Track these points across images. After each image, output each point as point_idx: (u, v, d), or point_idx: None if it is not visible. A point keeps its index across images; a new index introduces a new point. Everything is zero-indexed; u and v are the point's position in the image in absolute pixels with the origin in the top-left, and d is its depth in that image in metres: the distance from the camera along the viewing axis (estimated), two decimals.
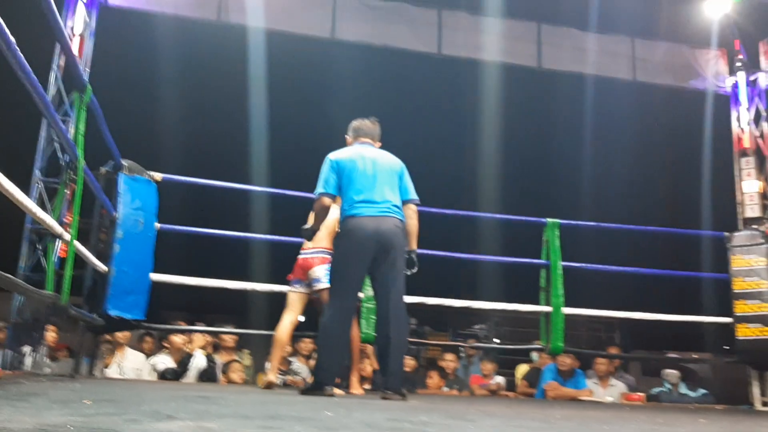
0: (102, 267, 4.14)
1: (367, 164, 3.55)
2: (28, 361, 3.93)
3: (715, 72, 6.64)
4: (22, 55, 2.15)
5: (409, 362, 5.81)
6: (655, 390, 6.01)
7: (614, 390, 5.81)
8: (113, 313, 4.17)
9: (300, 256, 4.03)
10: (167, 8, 5.64)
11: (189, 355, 5.27)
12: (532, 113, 8.06)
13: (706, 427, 2.55)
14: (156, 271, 4.47)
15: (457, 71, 6.69)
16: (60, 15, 3.04)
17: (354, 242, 3.41)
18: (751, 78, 6.49)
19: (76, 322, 4.26)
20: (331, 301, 3.45)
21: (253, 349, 6.39)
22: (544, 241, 5.34)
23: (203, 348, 5.43)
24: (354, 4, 5.97)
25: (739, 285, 5.54)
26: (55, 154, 4.28)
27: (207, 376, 5.24)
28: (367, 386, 4.61)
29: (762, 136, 6.37)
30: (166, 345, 5.49)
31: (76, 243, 3.38)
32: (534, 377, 6.03)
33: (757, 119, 6.43)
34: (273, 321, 4.12)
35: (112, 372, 5.16)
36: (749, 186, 6.27)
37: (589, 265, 5.59)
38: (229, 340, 5.68)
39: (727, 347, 6.13)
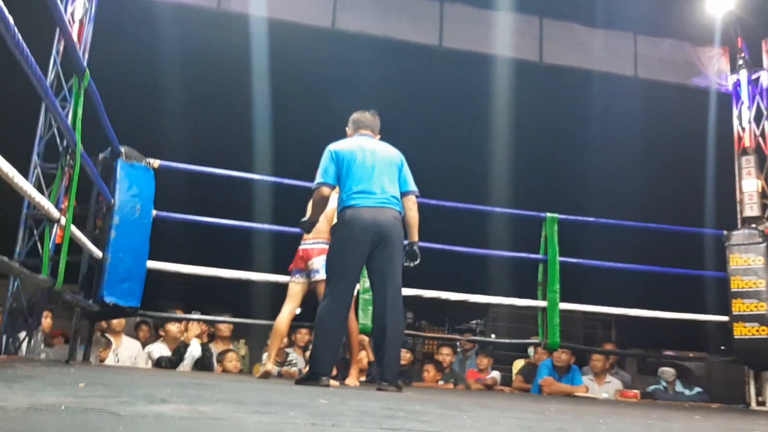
0: (98, 253, 4.13)
1: (367, 156, 3.56)
2: (23, 346, 3.92)
3: (717, 70, 6.62)
4: (20, 36, 2.13)
5: (406, 356, 5.81)
6: (651, 387, 6.02)
7: (610, 387, 5.82)
8: (109, 299, 4.16)
9: (300, 247, 4.05)
10: None
11: (185, 344, 5.27)
12: (531, 108, 8.04)
13: (701, 423, 2.55)
14: (157, 259, 4.48)
15: (458, 64, 6.66)
16: (60, 0, 3.03)
17: (351, 233, 3.41)
18: (753, 76, 6.48)
19: (71, 309, 4.25)
20: (328, 291, 3.44)
21: (249, 339, 6.39)
22: (542, 236, 5.33)
23: (198, 337, 5.43)
24: None
25: (736, 284, 5.54)
26: (53, 140, 4.26)
27: (202, 365, 5.25)
28: (362, 378, 4.61)
29: (763, 135, 6.36)
30: (162, 334, 5.50)
31: (73, 228, 3.36)
32: (530, 372, 6.04)
33: (759, 118, 6.42)
34: (272, 312, 4.12)
35: (107, 359, 5.16)
36: (749, 185, 6.26)
37: (586, 260, 5.58)
38: (225, 329, 5.69)
39: (723, 347, 6.14)
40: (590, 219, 5.66)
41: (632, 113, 7.92)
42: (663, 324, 5.78)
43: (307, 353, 5.48)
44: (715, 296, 6.05)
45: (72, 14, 4.58)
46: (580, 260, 5.51)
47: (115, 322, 5.17)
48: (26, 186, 2.56)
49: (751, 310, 5.44)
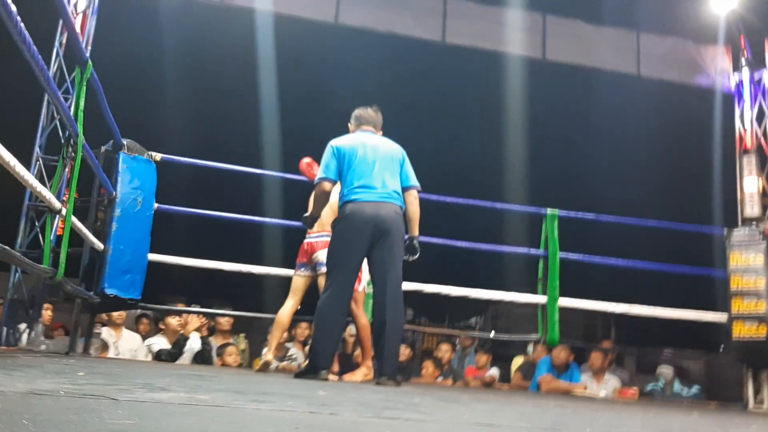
0: (99, 245, 4.14)
1: (368, 151, 3.58)
2: (23, 338, 3.93)
3: (719, 69, 6.61)
4: (23, 26, 2.13)
5: (405, 351, 5.81)
6: (649, 386, 6.02)
7: (608, 385, 5.81)
8: (110, 291, 4.17)
9: (305, 240, 4.06)
10: None
11: (184, 337, 5.28)
12: (534, 104, 8.03)
13: (699, 420, 2.56)
14: (161, 252, 4.49)
15: (460, 60, 6.66)
16: None
17: (352, 226, 3.43)
18: (756, 76, 6.46)
19: (72, 301, 4.26)
20: (328, 284, 3.45)
21: (250, 333, 6.40)
22: (543, 232, 5.34)
23: (198, 330, 5.44)
24: None
25: (736, 283, 5.53)
26: (55, 133, 4.27)
27: (202, 358, 5.26)
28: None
29: (765, 134, 6.35)
30: (162, 327, 5.51)
31: (74, 219, 3.37)
32: (528, 370, 6.04)
33: (761, 117, 6.41)
34: (273, 306, 4.14)
35: (107, 352, 5.17)
36: (750, 184, 6.25)
37: (586, 256, 5.57)
38: (225, 323, 5.69)
39: (722, 346, 6.14)
40: (590, 215, 5.65)
41: (635, 111, 7.91)
42: (662, 323, 5.78)
43: (307, 348, 5.48)
44: (716, 295, 6.04)
45: (75, 6, 4.58)
46: (580, 256, 5.50)
47: (115, 314, 5.17)
48: (28, 176, 2.57)
49: (751, 310, 5.43)
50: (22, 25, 2.08)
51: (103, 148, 4.46)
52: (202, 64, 7.69)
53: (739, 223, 6.20)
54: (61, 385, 1.42)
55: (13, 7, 1.96)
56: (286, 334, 5.36)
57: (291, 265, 4.20)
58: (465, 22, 6.09)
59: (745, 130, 6.42)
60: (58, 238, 3.62)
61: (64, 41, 4.42)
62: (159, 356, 5.18)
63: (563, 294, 5.23)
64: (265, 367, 3.89)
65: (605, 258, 5.62)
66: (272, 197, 7.19)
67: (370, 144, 3.62)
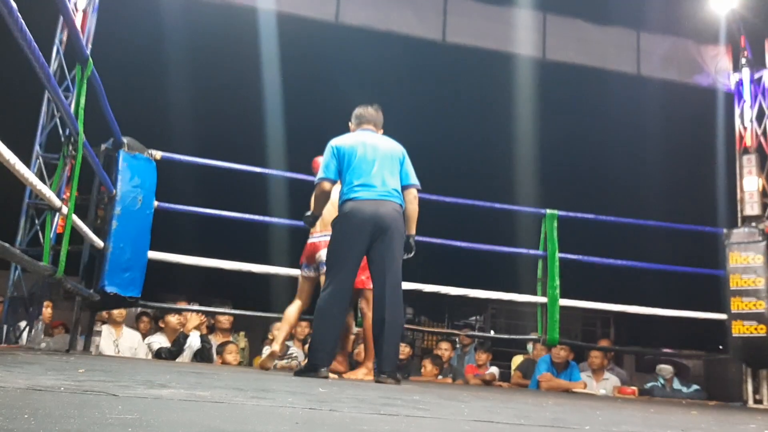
0: (99, 243, 4.14)
1: (368, 150, 3.59)
2: (24, 336, 3.94)
3: (719, 68, 6.61)
4: (23, 22, 2.14)
5: (405, 350, 5.82)
6: (649, 384, 6.02)
7: (607, 384, 5.83)
8: (110, 289, 4.17)
9: (308, 241, 4.07)
10: None
11: (184, 335, 5.29)
12: (533, 103, 8.02)
13: (698, 417, 2.56)
14: (164, 250, 4.49)
15: (461, 59, 6.66)
16: None
17: (351, 224, 3.43)
18: (756, 76, 6.47)
19: (72, 299, 4.26)
20: (327, 282, 3.45)
21: (250, 332, 6.41)
22: (542, 232, 5.34)
23: (198, 328, 5.45)
24: None
25: (735, 282, 5.55)
26: (55, 131, 4.27)
27: (201, 356, 5.26)
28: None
29: (765, 134, 6.36)
30: (162, 325, 5.51)
31: (74, 217, 3.37)
32: (528, 368, 6.05)
33: (760, 117, 6.41)
34: (275, 305, 4.14)
35: (108, 350, 5.17)
36: (749, 184, 6.26)
37: (585, 257, 5.58)
38: (225, 321, 5.70)
39: (721, 345, 6.14)
40: (589, 216, 5.65)
41: (635, 110, 7.91)
42: (661, 322, 5.79)
43: (307, 347, 5.49)
44: (715, 294, 6.04)
45: (75, 3, 4.58)
46: (579, 256, 5.51)
47: (116, 312, 5.18)
48: (28, 174, 2.57)
49: (750, 309, 5.44)
50: (22, 22, 2.09)
51: (103, 146, 4.47)
52: (203, 62, 7.69)
53: (739, 222, 6.21)
54: (62, 382, 1.43)
55: (14, 4, 1.97)
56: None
57: (296, 264, 4.21)
58: (465, 20, 6.09)
59: (745, 129, 6.43)
60: (58, 236, 3.63)
61: (64, 39, 4.42)
62: (159, 354, 5.18)
63: (563, 294, 5.24)
64: (271, 359, 3.90)
65: (605, 258, 5.63)
66: (274, 196, 7.19)
67: (370, 143, 3.62)
